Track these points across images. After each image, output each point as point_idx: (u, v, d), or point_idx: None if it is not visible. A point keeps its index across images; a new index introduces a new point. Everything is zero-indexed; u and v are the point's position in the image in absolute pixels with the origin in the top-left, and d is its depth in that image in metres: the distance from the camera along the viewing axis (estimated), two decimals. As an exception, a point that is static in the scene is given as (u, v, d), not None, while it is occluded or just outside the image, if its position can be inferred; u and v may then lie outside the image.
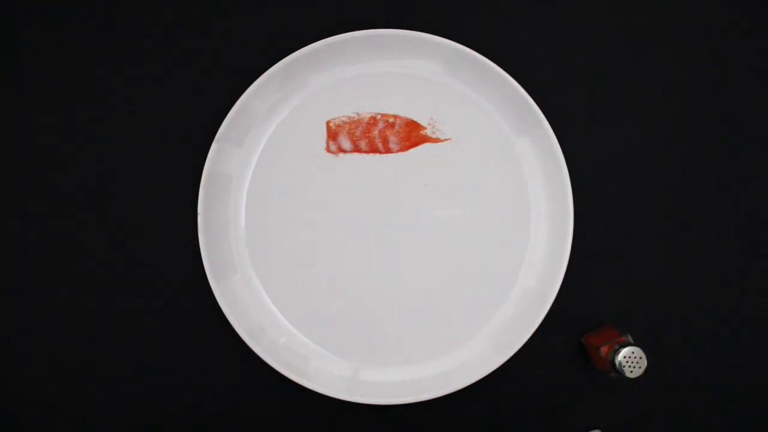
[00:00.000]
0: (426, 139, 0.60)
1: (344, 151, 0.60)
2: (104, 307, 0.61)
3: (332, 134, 0.60)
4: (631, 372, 0.53)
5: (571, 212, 0.58)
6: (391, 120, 0.60)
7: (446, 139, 0.60)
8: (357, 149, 0.60)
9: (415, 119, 0.60)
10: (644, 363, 0.53)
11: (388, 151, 0.60)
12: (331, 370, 0.60)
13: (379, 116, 0.60)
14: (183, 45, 0.61)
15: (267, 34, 0.61)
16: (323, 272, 0.60)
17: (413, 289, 0.60)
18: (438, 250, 0.60)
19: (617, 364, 0.54)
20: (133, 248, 0.61)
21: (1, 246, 0.61)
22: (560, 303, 0.61)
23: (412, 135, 0.60)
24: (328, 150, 0.60)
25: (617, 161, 0.62)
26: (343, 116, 0.60)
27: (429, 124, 0.60)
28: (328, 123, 0.60)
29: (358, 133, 0.60)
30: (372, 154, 0.60)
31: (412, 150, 0.60)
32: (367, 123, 0.60)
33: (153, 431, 0.61)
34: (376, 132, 0.60)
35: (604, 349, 0.55)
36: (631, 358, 0.53)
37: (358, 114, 0.60)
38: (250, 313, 0.60)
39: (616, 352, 0.54)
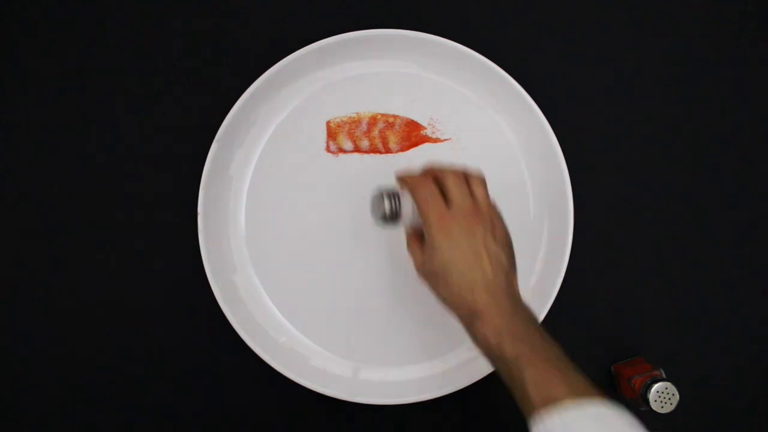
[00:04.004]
0: (426, 139, 0.60)
1: (344, 151, 0.60)
2: (104, 306, 0.61)
3: (332, 134, 0.60)
4: (662, 408, 0.54)
5: (571, 212, 0.58)
6: (391, 120, 0.60)
7: (446, 139, 0.60)
8: (357, 149, 0.60)
9: (415, 119, 0.60)
10: (676, 399, 0.54)
11: (388, 151, 0.60)
12: (331, 370, 0.60)
13: (379, 116, 0.60)
14: (183, 45, 0.61)
15: (267, 34, 0.61)
16: (323, 272, 0.60)
17: (413, 289, 0.60)
18: (438, 250, 0.60)
19: (649, 399, 0.55)
20: (133, 248, 0.61)
21: (0, 246, 0.61)
22: (561, 302, 0.61)
23: (412, 135, 0.60)
24: (328, 150, 0.60)
25: (617, 161, 0.62)
26: (343, 116, 0.60)
27: (429, 124, 0.60)
28: (328, 123, 0.60)
29: (358, 133, 0.60)
30: (372, 154, 0.60)
31: (412, 150, 0.60)
32: (367, 123, 0.60)
33: (153, 430, 0.61)
34: (376, 132, 0.60)
35: (636, 381, 0.57)
36: (663, 393, 0.54)
37: (358, 114, 0.60)
38: (250, 313, 0.60)
39: (648, 386, 0.55)
